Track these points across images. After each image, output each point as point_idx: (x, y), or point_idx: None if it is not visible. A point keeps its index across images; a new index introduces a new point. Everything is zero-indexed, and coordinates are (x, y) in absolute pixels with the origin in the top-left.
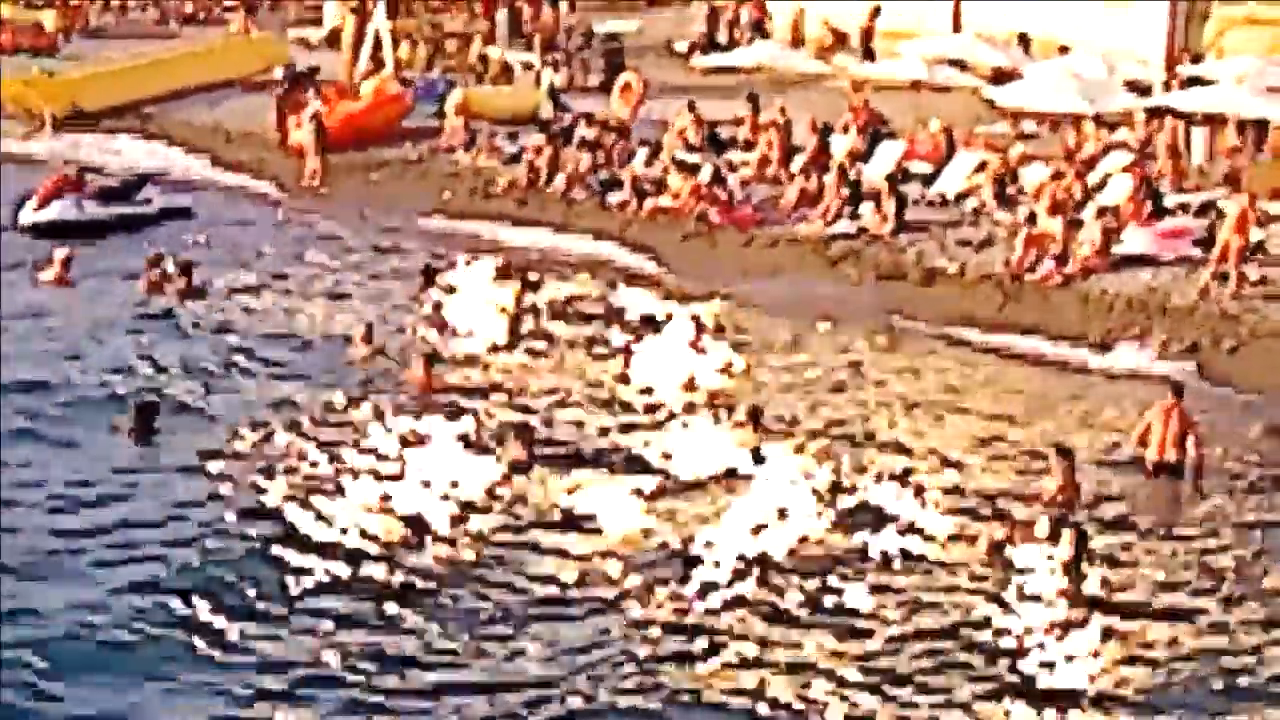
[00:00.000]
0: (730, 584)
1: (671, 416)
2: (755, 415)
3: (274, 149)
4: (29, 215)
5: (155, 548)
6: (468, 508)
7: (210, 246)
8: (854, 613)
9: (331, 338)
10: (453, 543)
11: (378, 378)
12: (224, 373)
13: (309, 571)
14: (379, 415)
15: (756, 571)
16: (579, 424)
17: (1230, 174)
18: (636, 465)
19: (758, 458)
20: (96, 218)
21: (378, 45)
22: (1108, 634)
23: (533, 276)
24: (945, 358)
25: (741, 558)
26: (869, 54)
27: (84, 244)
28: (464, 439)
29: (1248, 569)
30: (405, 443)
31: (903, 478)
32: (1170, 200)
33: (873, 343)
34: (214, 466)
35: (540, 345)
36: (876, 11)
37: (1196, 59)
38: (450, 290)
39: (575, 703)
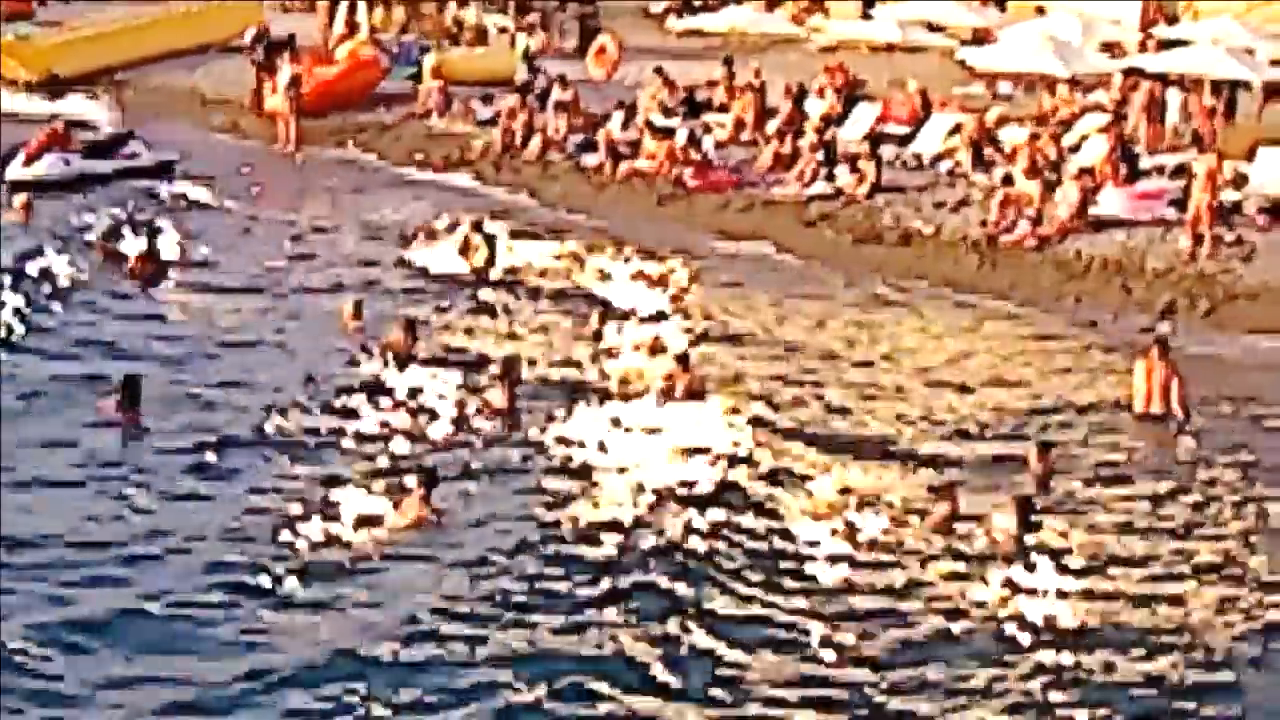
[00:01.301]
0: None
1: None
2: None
3: (250, 114)
4: (16, 171)
5: None
6: None
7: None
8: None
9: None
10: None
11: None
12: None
13: None
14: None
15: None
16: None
17: (1196, 134)
18: None
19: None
20: (84, 172)
21: (352, 9)
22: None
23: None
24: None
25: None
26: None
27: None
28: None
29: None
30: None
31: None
32: (1146, 162)
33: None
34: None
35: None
36: None
37: (1171, 20)
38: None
39: None
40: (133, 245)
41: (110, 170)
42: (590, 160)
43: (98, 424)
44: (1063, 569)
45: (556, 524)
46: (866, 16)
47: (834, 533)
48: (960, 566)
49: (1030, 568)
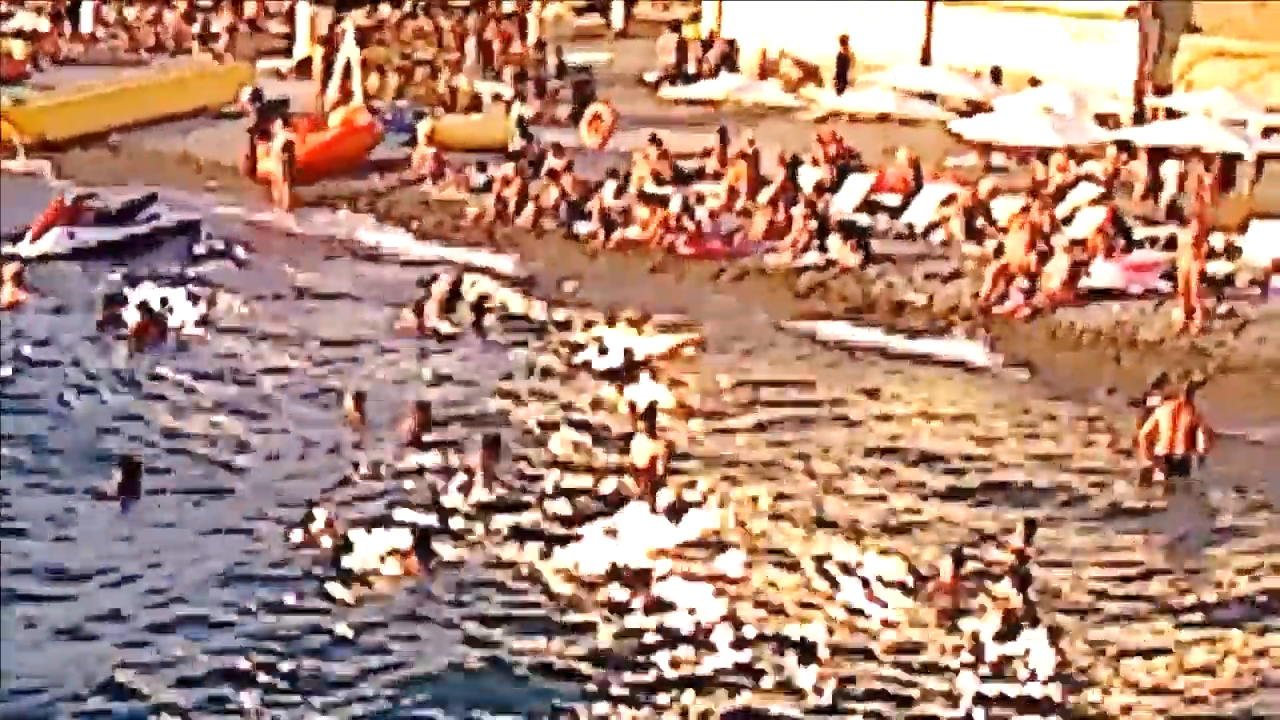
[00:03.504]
0: None
1: None
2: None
3: (244, 178)
4: (24, 248)
5: None
6: None
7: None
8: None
9: None
10: None
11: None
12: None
13: None
14: None
15: None
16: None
17: (1172, 206)
18: None
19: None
20: (87, 244)
21: (347, 75)
22: None
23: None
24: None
25: None
26: (844, 82)
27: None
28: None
29: None
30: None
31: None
32: (1139, 233)
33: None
34: None
35: None
36: (845, 39)
37: (1165, 92)
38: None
39: None
40: (133, 311)
41: (124, 237)
42: (583, 228)
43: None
44: None
45: None
46: (843, 85)
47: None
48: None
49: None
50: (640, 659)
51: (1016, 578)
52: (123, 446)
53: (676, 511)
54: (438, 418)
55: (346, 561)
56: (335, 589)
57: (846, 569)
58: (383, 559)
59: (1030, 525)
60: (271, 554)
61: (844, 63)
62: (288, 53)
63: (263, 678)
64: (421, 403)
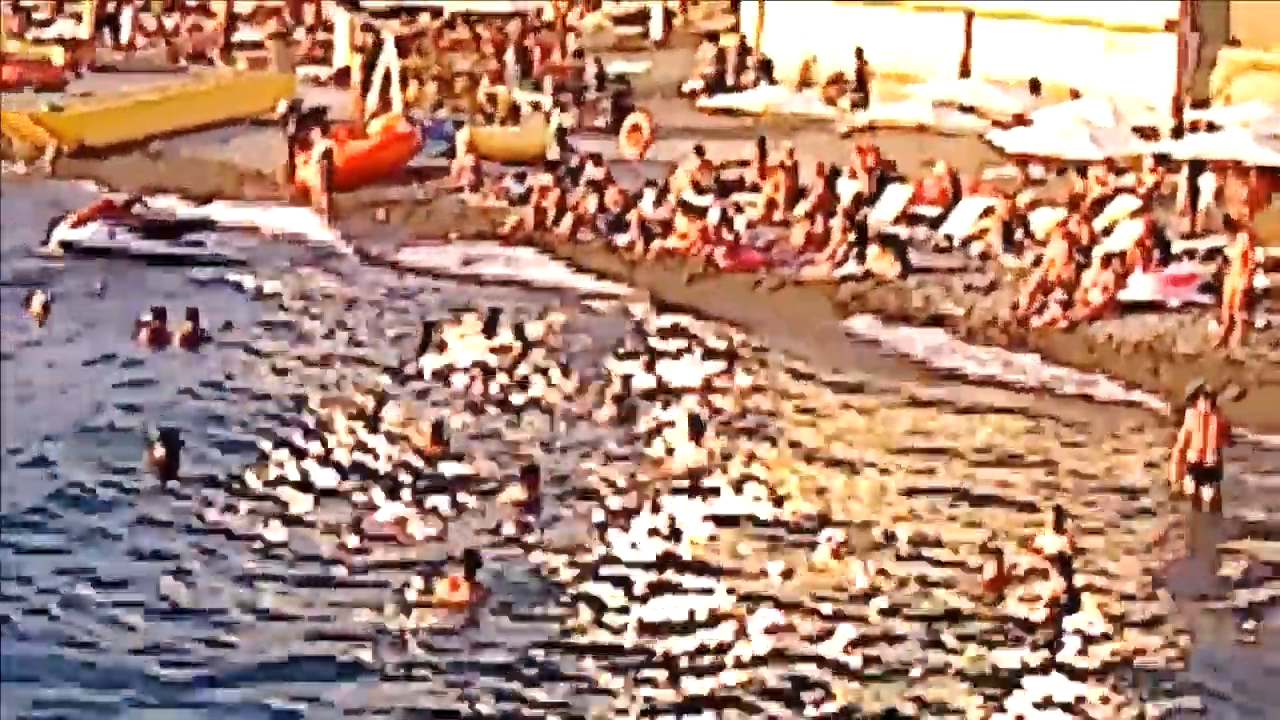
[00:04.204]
0: None
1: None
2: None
3: (283, 187)
4: (61, 232)
5: None
6: None
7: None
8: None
9: None
10: None
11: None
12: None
13: None
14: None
15: None
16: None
17: (1227, 219)
18: None
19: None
20: (125, 247)
21: (386, 84)
22: None
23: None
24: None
25: None
26: (863, 95)
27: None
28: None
29: None
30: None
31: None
32: (1177, 246)
33: None
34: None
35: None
36: (860, 52)
37: (1203, 105)
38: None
39: None
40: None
41: (161, 252)
42: (622, 239)
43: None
44: None
45: None
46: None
47: None
48: None
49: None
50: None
51: (1060, 564)
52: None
53: None
54: None
55: None
56: None
57: None
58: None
59: (1059, 513)
60: None
61: (862, 76)
62: (327, 61)
63: None
64: (436, 423)
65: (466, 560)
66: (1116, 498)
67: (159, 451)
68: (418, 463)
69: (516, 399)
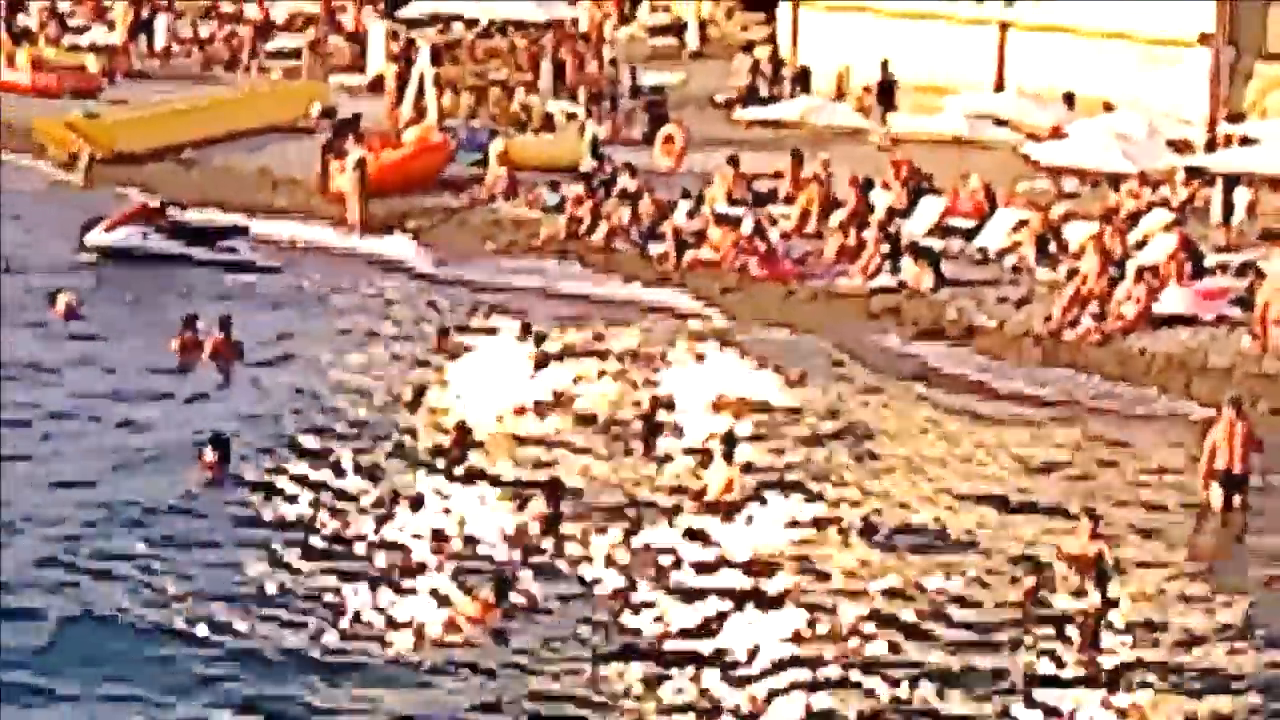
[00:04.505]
0: None
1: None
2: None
3: (317, 195)
4: (94, 237)
5: None
6: None
7: None
8: None
9: None
10: None
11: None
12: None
13: None
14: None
15: None
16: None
17: (1267, 232)
18: None
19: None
20: (159, 250)
21: (421, 93)
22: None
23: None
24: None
25: None
26: (889, 107)
27: None
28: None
29: None
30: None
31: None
32: (1210, 260)
33: None
34: None
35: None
36: (886, 64)
37: (1238, 118)
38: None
39: None
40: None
41: (193, 256)
42: (655, 249)
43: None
44: None
45: None
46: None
47: None
48: None
49: None
50: None
51: (1096, 575)
52: None
53: None
54: None
55: None
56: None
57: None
58: None
59: (1094, 517)
60: None
61: (887, 88)
62: (361, 69)
63: None
64: (461, 423)
65: (497, 585)
66: (1145, 507)
67: (209, 456)
68: None
69: None
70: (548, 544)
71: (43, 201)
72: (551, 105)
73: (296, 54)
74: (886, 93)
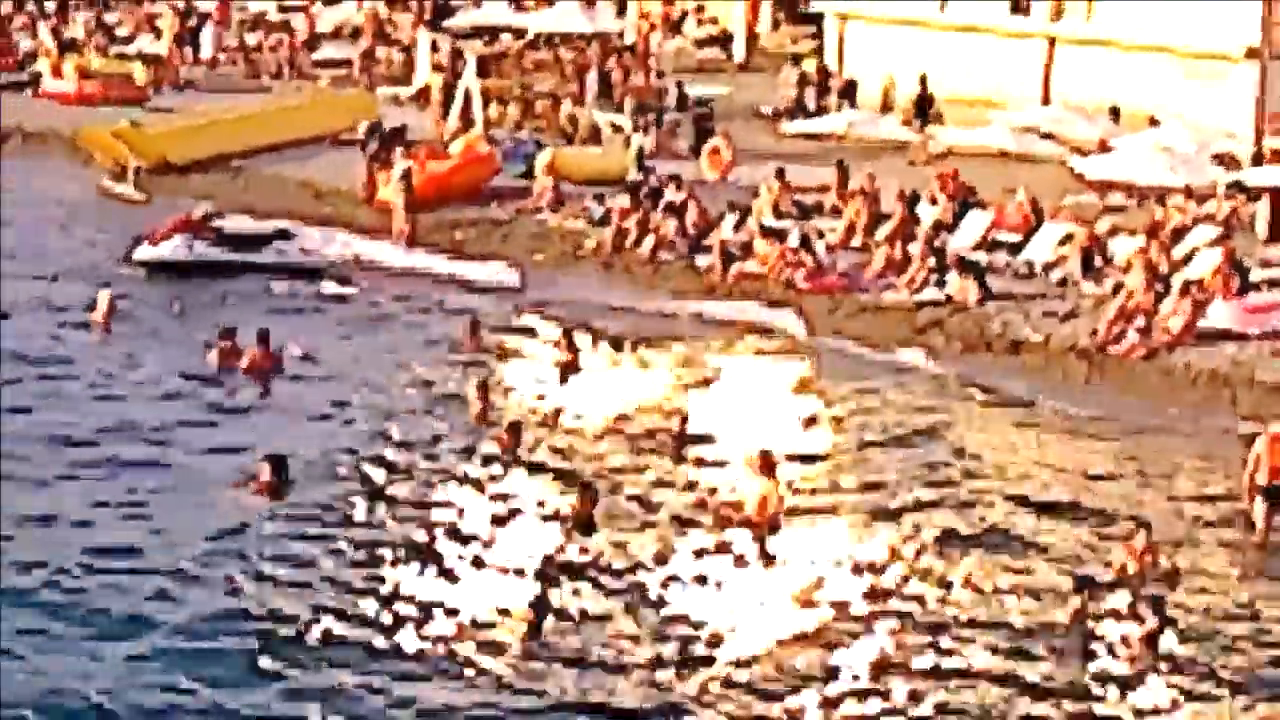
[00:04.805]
0: None
1: None
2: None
3: (363, 206)
4: (141, 252)
5: None
6: None
7: None
8: None
9: None
10: None
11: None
12: None
13: None
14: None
15: None
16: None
17: None
18: None
19: None
20: (206, 259)
21: (467, 104)
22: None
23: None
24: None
25: None
26: (925, 120)
27: None
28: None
29: None
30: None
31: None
32: (1256, 274)
33: None
34: None
35: None
36: (925, 79)
37: None
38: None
39: None
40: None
41: (240, 262)
42: (702, 261)
43: None
44: None
45: None
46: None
47: None
48: None
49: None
50: None
51: (1147, 600)
52: None
53: None
54: None
55: None
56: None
57: None
58: None
59: (1146, 527)
60: None
61: (924, 102)
62: (408, 81)
63: None
64: (513, 423)
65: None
66: (1188, 520)
67: (265, 475)
68: None
69: None
70: (586, 546)
71: (92, 210)
72: (598, 117)
73: (344, 64)
74: (923, 107)
